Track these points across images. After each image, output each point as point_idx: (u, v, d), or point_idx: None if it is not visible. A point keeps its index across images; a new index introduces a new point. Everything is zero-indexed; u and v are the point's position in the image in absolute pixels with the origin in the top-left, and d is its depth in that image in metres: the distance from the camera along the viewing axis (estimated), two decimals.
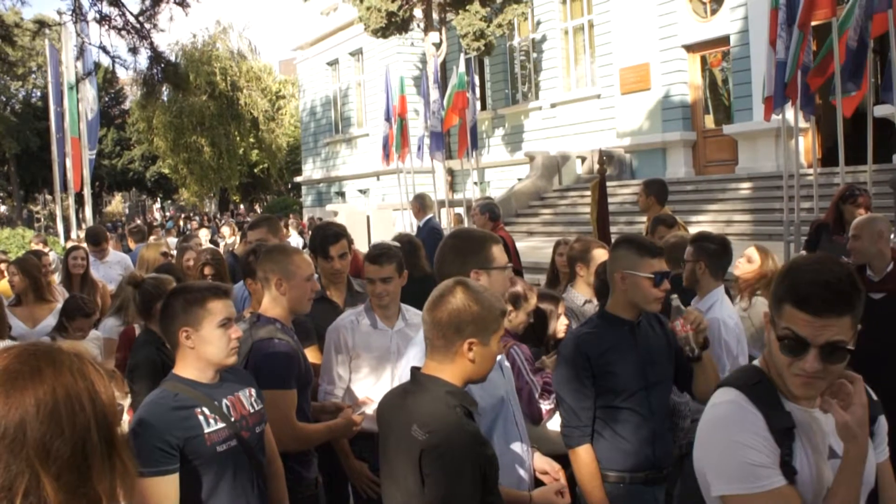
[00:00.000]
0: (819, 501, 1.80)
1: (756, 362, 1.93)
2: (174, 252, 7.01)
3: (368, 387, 3.65)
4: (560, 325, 4.12)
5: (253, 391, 2.72)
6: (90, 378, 1.17)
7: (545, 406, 3.60)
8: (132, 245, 10.36)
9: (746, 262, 4.46)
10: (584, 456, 2.98)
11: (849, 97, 7.82)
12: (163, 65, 10.13)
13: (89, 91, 16.45)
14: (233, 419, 2.56)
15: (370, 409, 3.42)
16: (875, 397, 1.93)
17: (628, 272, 3.00)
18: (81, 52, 13.89)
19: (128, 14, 9.46)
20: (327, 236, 4.26)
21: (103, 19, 9.39)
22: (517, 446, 2.73)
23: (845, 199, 5.74)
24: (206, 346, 2.55)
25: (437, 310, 2.28)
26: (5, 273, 6.12)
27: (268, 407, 2.90)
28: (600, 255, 4.43)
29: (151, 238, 11.10)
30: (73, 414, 1.12)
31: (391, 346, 3.64)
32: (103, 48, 9.79)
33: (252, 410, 2.66)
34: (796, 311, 1.74)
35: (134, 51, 9.68)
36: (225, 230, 13.72)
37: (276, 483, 2.83)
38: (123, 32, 9.56)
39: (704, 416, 1.90)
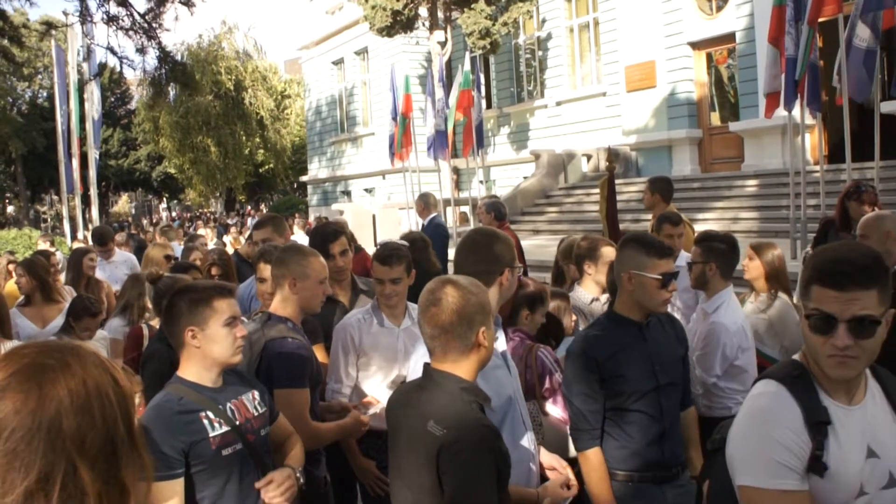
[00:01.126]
0: (852, 500, 1.81)
1: (796, 357, 1.96)
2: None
3: (376, 385, 3.65)
4: (569, 323, 4.13)
5: (256, 394, 2.70)
6: (111, 371, 1.19)
7: None
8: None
9: (749, 261, 4.44)
10: (592, 459, 2.97)
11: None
12: (170, 65, 10.16)
13: (95, 92, 16.48)
14: (237, 423, 2.55)
15: (377, 409, 3.43)
16: None
17: (635, 272, 2.97)
18: (89, 54, 13.93)
19: (135, 14, 9.49)
20: (327, 234, 4.28)
21: (111, 20, 9.41)
22: (525, 444, 2.74)
23: (850, 195, 5.71)
24: (212, 346, 2.54)
25: (440, 314, 2.27)
26: (13, 274, 6.11)
27: (282, 406, 2.91)
28: (608, 252, 4.43)
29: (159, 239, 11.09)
30: (103, 406, 1.14)
31: (398, 344, 3.64)
32: (111, 49, 9.83)
33: (256, 413, 2.65)
34: (822, 288, 1.79)
35: (142, 51, 9.71)
36: (206, 233, 13.15)
37: (296, 450, 2.83)
38: (131, 33, 9.59)
39: (745, 405, 1.92)
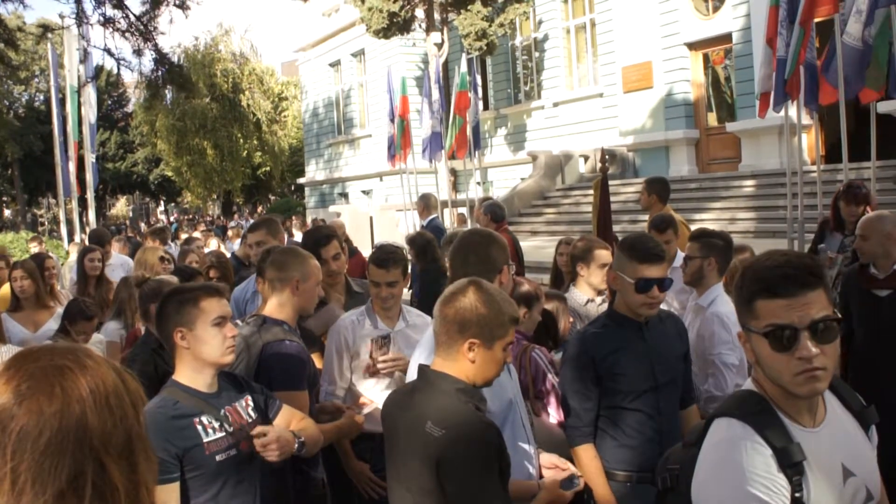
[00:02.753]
0: None
1: (749, 386, 1.81)
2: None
3: (369, 387, 3.65)
4: (566, 324, 4.13)
5: (250, 399, 2.69)
6: (120, 372, 1.19)
7: None
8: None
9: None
10: (584, 455, 2.98)
11: (865, 90, 7.80)
12: (167, 66, 10.16)
13: (91, 95, 16.44)
14: (231, 429, 2.54)
15: (371, 409, 3.43)
16: (864, 403, 1.86)
17: (619, 274, 3.01)
18: (86, 56, 13.90)
19: (131, 16, 9.48)
20: (318, 239, 4.26)
21: (107, 22, 9.41)
22: (525, 446, 2.74)
23: (839, 195, 5.74)
24: (202, 346, 2.54)
25: (447, 306, 2.30)
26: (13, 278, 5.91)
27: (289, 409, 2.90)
28: (601, 255, 4.42)
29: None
30: (121, 405, 1.15)
31: (392, 346, 3.63)
32: (108, 51, 9.82)
33: (250, 420, 2.64)
34: (772, 300, 1.66)
35: (138, 53, 9.70)
36: (199, 236, 12.14)
37: (306, 427, 2.79)
38: (128, 35, 9.59)
39: (711, 450, 1.75)
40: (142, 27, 9.62)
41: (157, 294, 3.47)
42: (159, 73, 10.47)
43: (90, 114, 16.15)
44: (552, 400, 3.58)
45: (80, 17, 10.32)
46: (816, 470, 1.67)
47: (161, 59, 10.32)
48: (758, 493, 1.61)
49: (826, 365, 1.64)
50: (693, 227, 6.38)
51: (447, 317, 2.29)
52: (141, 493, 1.16)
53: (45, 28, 13.78)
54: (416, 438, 2.20)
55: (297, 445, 2.61)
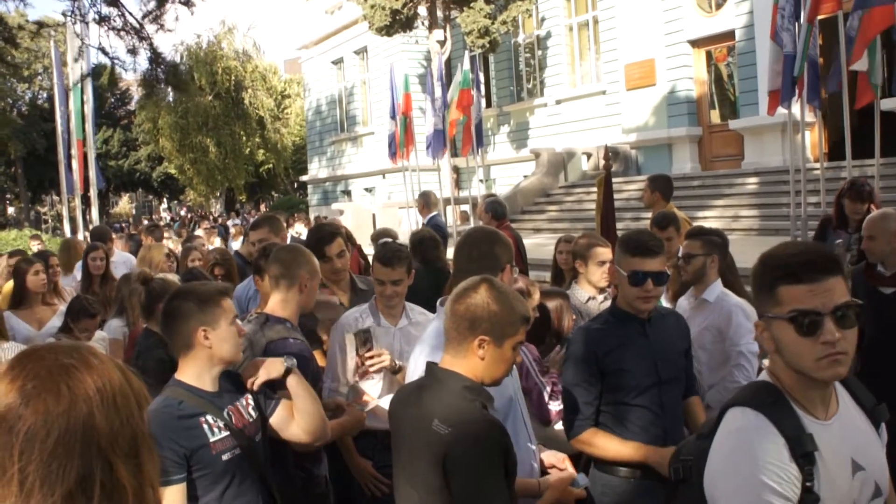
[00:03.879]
0: None
1: (764, 377, 1.82)
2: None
3: (372, 385, 3.64)
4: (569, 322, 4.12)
5: (250, 398, 2.69)
6: (124, 370, 1.19)
7: (555, 407, 3.58)
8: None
9: None
10: (595, 436, 2.97)
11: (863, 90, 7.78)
12: (163, 66, 10.13)
13: (89, 93, 16.46)
14: (234, 428, 2.55)
15: (373, 406, 3.43)
16: (875, 400, 1.87)
17: (616, 267, 3.03)
18: (80, 54, 13.89)
19: (127, 15, 9.46)
20: (322, 237, 4.24)
21: (102, 20, 9.38)
22: (527, 444, 2.74)
23: (843, 192, 5.73)
24: (223, 344, 2.56)
25: (458, 302, 2.30)
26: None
27: (285, 406, 2.90)
28: (599, 252, 4.42)
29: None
30: (127, 403, 1.15)
31: (395, 344, 3.62)
32: (102, 49, 9.80)
33: (251, 420, 2.64)
34: (793, 286, 1.69)
35: (133, 52, 9.67)
36: (169, 242, 11.15)
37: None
38: (123, 33, 9.57)
39: (722, 441, 1.76)
40: (137, 26, 9.60)
41: (165, 293, 3.46)
42: (155, 72, 10.44)
43: (90, 112, 16.19)
44: (533, 398, 3.58)
45: (76, 15, 10.29)
46: (828, 461, 1.69)
47: (156, 57, 10.28)
48: (770, 481, 1.63)
49: (847, 350, 1.67)
50: (696, 225, 6.39)
51: (458, 313, 2.29)
52: (147, 493, 1.16)
53: (41, 25, 13.78)
54: (422, 436, 2.20)
55: (285, 360, 2.71)
